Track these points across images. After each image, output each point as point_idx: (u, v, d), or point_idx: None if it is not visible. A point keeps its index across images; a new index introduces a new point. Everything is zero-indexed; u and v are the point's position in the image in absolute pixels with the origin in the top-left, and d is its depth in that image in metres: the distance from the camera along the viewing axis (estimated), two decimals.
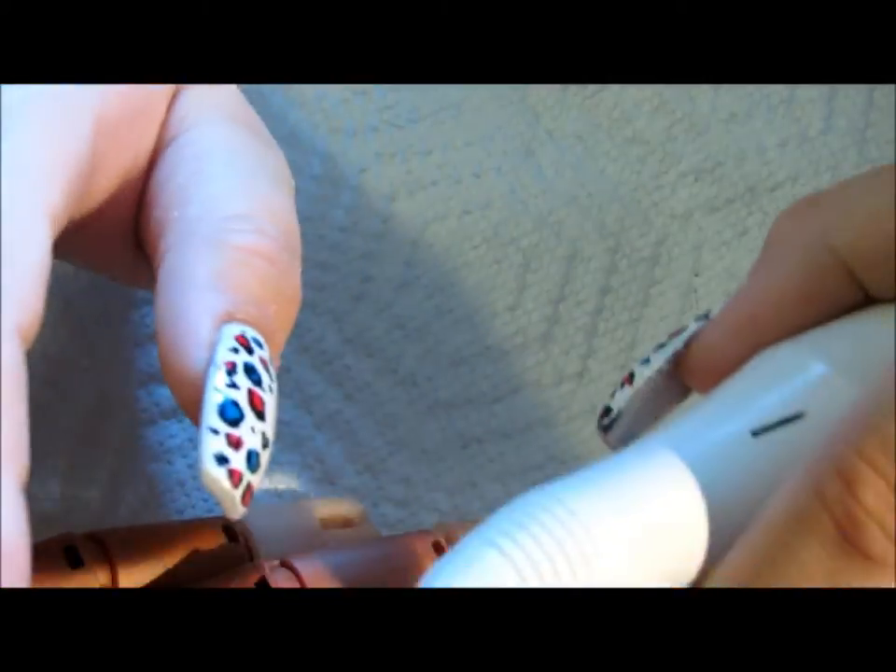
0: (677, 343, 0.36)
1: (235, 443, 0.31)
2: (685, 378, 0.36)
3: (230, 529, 0.37)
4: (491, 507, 0.42)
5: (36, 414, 0.42)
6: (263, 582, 0.34)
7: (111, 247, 0.37)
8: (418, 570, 0.37)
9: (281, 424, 0.43)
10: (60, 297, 0.44)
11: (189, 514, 0.40)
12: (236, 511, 0.31)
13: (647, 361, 0.36)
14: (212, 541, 0.37)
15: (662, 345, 0.36)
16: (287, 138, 0.49)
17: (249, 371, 0.32)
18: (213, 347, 0.31)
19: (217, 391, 0.31)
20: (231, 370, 0.31)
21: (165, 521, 0.40)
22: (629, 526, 0.31)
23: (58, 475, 0.41)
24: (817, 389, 0.32)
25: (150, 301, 0.36)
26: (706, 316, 0.36)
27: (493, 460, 0.44)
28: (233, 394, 0.31)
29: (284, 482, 0.42)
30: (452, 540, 0.37)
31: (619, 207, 0.48)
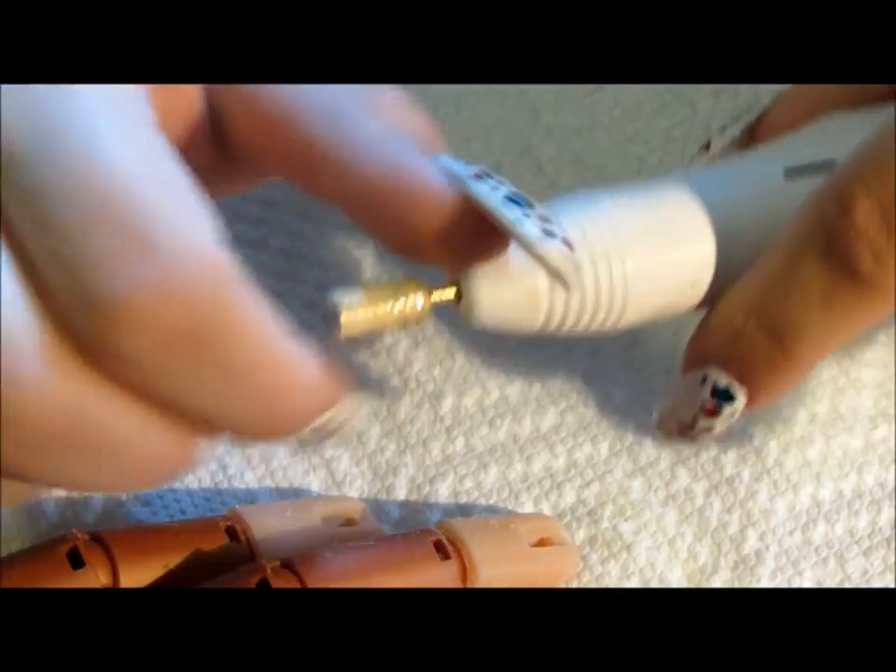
0: (750, 115, 0.39)
1: (542, 218, 0.32)
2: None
3: (231, 529, 0.37)
4: (494, 504, 0.42)
5: None
6: (264, 583, 0.35)
7: None
8: (420, 569, 0.37)
9: None
10: None
11: (191, 514, 0.40)
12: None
13: (723, 129, 0.39)
14: (213, 541, 0.37)
15: (737, 117, 0.39)
16: None
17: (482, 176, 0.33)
18: (447, 172, 0.32)
19: (493, 191, 0.32)
20: (480, 176, 0.32)
21: (166, 521, 0.40)
22: (653, 236, 0.34)
23: None
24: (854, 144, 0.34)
25: None
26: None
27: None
28: (503, 189, 0.32)
29: (286, 481, 0.42)
30: (453, 539, 0.38)
31: None
